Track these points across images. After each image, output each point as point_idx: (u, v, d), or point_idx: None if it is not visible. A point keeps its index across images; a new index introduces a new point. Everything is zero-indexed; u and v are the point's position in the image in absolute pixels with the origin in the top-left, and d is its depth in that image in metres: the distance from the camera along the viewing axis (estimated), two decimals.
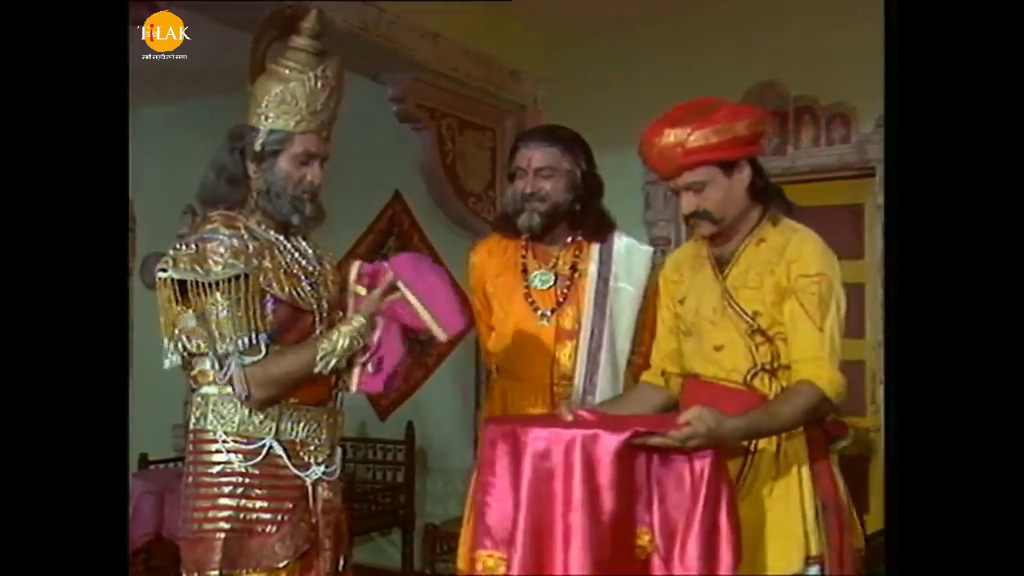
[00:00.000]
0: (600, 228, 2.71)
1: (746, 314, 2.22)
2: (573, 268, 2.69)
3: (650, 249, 2.80)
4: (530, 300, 2.69)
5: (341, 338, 2.17)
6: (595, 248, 2.70)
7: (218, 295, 2.07)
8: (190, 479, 2.18)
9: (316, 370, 2.15)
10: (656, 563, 1.97)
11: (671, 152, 2.21)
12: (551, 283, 2.69)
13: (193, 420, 2.19)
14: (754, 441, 2.18)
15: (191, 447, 2.19)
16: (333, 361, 2.16)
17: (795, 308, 2.16)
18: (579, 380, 2.62)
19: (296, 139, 2.17)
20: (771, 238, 2.26)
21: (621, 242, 2.71)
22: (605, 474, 1.93)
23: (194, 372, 2.19)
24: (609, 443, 1.95)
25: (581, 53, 4.90)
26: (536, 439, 1.99)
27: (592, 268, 2.68)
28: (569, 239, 2.72)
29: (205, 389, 2.17)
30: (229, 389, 2.13)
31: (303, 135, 2.18)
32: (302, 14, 2.24)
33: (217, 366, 2.10)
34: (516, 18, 4.75)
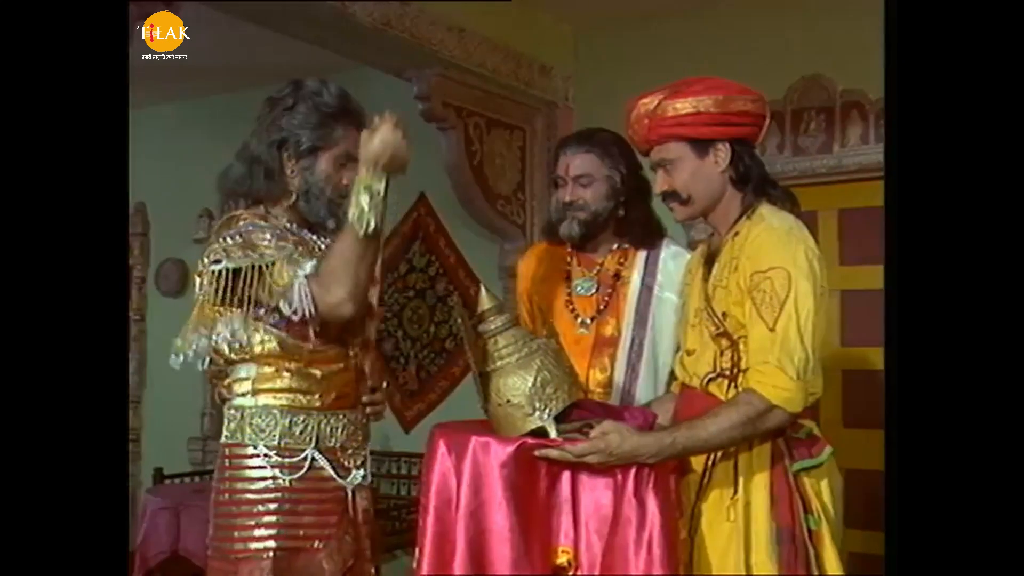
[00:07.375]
0: (647, 235, 2.71)
1: (716, 316, 2.15)
2: (616, 276, 2.71)
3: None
4: (571, 307, 2.72)
5: (358, 196, 2.06)
6: (641, 256, 2.72)
7: (271, 277, 2.05)
8: (226, 496, 2.18)
9: (361, 234, 2.04)
10: None
11: (640, 123, 2.20)
12: (593, 290, 2.72)
13: (227, 434, 2.19)
14: (712, 455, 2.11)
15: (226, 462, 2.19)
16: (371, 220, 2.04)
17: (750, 308, 2.06)
18: (617, 389, 2.64)
19: (339, 136, 2.20)
20: (744, 231, 2.15)
21: (668, 250, 2.72)
22: (494, 485, 1.94)
23: (227, 381, 2.20)
24: (498, 452, 1.96)
25: (612, 47, 4.88)
26: (444, 442, 2.03)
27: (635, 276, 2.70)
28: (615, 246, 2.74)
29: (239, 401, 2.18)
30: (265, 400, 2.15)
31: (345, 132, 2.20)
32: None
33: (286, 306, 2.06)
34: (545, 10, 4.77)
